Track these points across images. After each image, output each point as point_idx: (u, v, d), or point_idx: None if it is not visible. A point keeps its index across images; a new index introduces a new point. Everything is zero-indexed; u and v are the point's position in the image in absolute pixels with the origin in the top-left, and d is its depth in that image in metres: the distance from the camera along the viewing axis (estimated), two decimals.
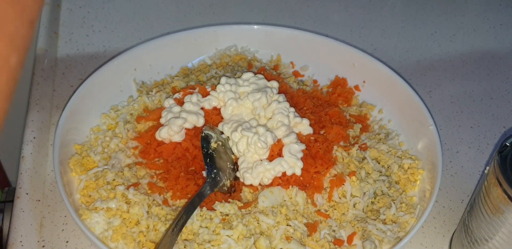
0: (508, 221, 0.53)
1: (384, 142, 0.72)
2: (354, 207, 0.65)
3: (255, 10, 0.94)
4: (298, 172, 0.64)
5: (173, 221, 0.59)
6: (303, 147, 0.65)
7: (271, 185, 0.64)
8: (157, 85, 0.77)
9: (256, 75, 0.72)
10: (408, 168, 0.69)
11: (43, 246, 0.61)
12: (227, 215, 0.61)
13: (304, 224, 0.62)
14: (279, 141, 0.66)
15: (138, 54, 0.76)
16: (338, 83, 0.79)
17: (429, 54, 0.90)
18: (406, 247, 0.65)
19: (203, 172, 0.66)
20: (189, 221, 0.60)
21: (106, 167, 0.65)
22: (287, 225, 0.61)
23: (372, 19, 0.95)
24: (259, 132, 0.64)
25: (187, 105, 0.69)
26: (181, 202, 0.63)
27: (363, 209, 0.65)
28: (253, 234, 0.60)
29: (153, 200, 0.63)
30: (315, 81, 0.80)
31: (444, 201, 0.70)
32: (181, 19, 0.91)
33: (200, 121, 0.68)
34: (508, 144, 0.53)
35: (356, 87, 0.79)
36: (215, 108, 0.70)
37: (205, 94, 0.71)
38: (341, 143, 0.70)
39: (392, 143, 0.72)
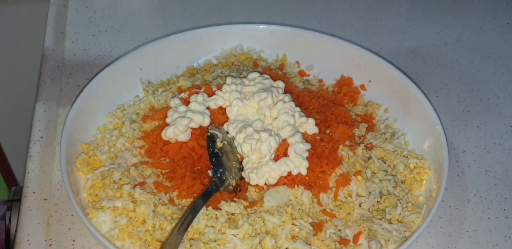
0: None
1: (390, 141, 0.72)
2: (360, 206, 0.65)
3: (261, 9, 0.94)
4: (304, 172, 0.64)
5: (179, 220, 0.60)
6: (308, 146, 0.65)
7: (276, 184, 0.64)
8: (163, 85, 0.78)
9: (262, 75, 0.72)
10: (414, 168, 0.69)
11: (50, 245, 0.62)
12: (232, 214, 0.61)
13: (310, 223, 0.62)
14: (284, 140, 0.66)
15: (144, 54, 0.76)
16: (344, 83, 0.79)
17: (435, 54, 0.89)
18: (412, 247, 0.65)
19: (209, 171, 0.66)
20: (195, 220, 0.60)
21: (112, 166, 0.65)
22: (293, 224, 0.61)
23: (378, 18, 0.95)
24: (262, 138, 0.64)
25: (193, 105, 0.69)
26: (187, 201, 0.64)
27: (369, 209, 0.65)
28: (258, 233, 0.60)
29: (159, 199, 0.63)
30: (320, 81, 0.80)
31: (450, 201, 0.70)
32: (187, 19, 0.91)
33: (206, 121, 0.68)
34: None
35: (362, 86, 0.79)
36: (220, 107, 0.70)
37: (211, 94, 0.71)
38: (347, 142, 0.70)
39: (398, 142, 0.72)
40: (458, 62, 0.88)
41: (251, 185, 0.65)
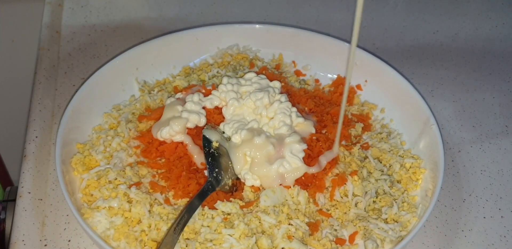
0: None
1: (386, 141, 0.72)
2: (356, 206, 0.65)
3: (257, 9, 0.94)
4: None
5: (175, 220, 0.60)
6: (304, 146, 0.65)
7: None
8: (159, 84, 0.77)
9: (259, 75, 0.72)
10: (410, 167, 0.69)
11: (45, 245, 0.62)
12: (228, 214, 0.61)
13: (306, 223, 0.62)
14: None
15: (140, 54, 0.76)
16: (340, 82, 0.79)
17: (431, 53, 0.90)
18: (408, 247, 0.65)
19: (205, 171, 0.66)
20: (191, 220, 0.60)
21: (108, 166, 0.65)
22: (289, 224, 0.61)
23: (374, 18, 0.95)
24: (258, 146, 0.64)
25: (188, 105, 0.69)
26: (183, 201, 0.63)
27: (365, 208, 0.65)
28: (254, 233, 0.60)
29: (155, 199, 0.63)
30: (316, 81, 0.80)
31: (446, 200, 0.70)
32: (183, 18, 0.91)
33: (202, 121, 0.68)
34: None
35: (358, 86, 0.79)
36: (217, 107, 0.70)
37: (207, 93, 0.71)
38: (343, 142, 0.70)
39: (394, 142, 0.72)
40: (454, 62, 0.89)
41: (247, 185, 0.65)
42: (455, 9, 0.98)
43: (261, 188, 0.65)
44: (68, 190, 0.60)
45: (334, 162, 0.66)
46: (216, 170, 0.64)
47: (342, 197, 0.65)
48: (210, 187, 0.63)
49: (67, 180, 0.62)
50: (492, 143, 0.78)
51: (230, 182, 0.65)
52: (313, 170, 0.64)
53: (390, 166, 0.69)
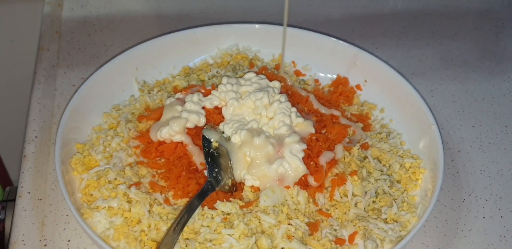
0: None
1: (385, 141, 0.72)
2: (356, 206, 0.65)
3: (257, 9, 0.94)
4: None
5: (175, 220, 0.60)
6: (304, 146, 0.65)
7: None
8: (158, 84, 0.77)
9: (259, 75, 0.72)
10: (410, 167, 0.69)
11: (45, 245, 0.62)
12: (228, 214, 0.61)
13: (306, 223, 0.62)
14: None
15: (139, 54, 0.76)
16: (340, 83, 0.79)
17: (430, 53, 0.90)
18: (408, 246, 0.65)
19: (204, 171, 0.66)
20: (191, 220, 0.60)
21: (107, 166, 0.65)
22: (289, 224, 0.61)
23: (374, 18, 0.95)
24: (257, 146, 0.64)
25: (188, 105, 0.69)
26: (182, 201, 0.63)
27: (364, 208, 0.65)
28: (254, 233, 0.60)
29: (155, 199, 0.63)
30: (316, 81, 0.80)
31: (446, 200, 0.70)
32: (183, 18, 0.91)
33: (202, 121, 0.68)
34: None
35: (358, 86, 0.79)
36: (216, 107, 0.70)
37: (206, 93, 0.71)
38: (345, 142, 0.70)
39: (393, 142, 0.72)
40: (453, 62, 0.89)
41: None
42: (455, 9, 0.98)
43: (260, 188, 0.65)
44: (67, 190, 0.60)
45: (333, 162, 0.66)
46: (216, 170, 0.64)
47: (341, 197, 0.65)
48: (209, 187, 0.63)
49: (66, 180, 0.62)
50: (491, 143, 0.77)
51: (229, 182, 0.65)
52: (314, 184, 0.64)
53: (389, 166, 0.69)
